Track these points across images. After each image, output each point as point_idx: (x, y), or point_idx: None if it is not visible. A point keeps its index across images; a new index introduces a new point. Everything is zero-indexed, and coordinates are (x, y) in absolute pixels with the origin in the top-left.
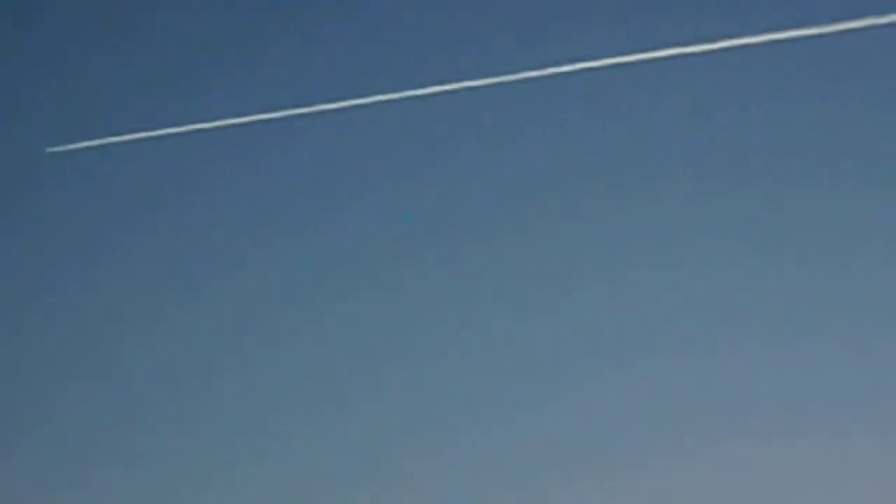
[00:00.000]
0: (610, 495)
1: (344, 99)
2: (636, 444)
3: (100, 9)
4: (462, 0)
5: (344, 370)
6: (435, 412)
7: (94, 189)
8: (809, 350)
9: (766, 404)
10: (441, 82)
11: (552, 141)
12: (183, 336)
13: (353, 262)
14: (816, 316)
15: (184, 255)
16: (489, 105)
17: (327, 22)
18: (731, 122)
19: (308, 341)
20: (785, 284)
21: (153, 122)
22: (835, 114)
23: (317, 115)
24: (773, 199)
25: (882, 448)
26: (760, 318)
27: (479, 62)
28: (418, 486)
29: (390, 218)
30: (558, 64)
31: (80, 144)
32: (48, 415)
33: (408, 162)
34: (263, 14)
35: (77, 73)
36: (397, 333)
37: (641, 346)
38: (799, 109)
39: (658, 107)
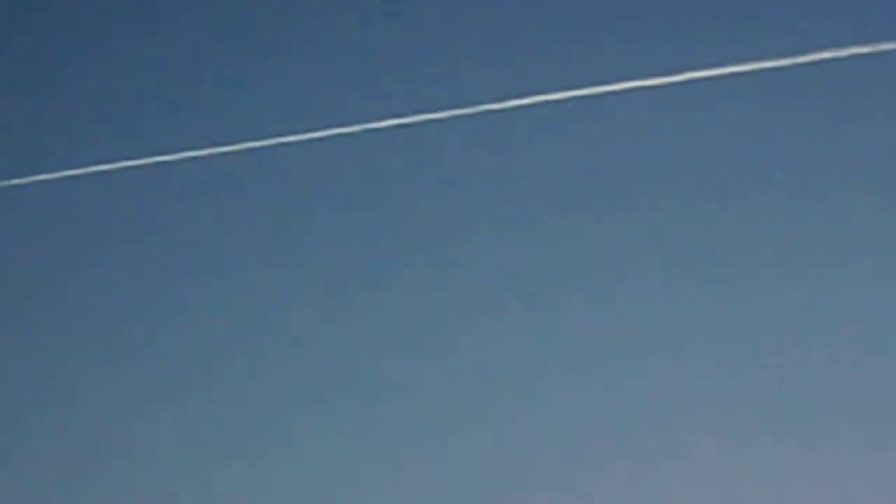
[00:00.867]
0: (610, 495)
1: (298, 132)
2: (635, 443)
3: (42, 40)
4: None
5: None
6: (433, 414)
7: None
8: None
9: (766, 404)
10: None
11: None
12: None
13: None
14: (817, 316)
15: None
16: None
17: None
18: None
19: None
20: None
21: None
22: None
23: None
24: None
25: (882, 449)
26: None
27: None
28: (417, 486)
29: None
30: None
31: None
32: (45, 424)
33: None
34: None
35: (25, 107)
36: (396, 333)
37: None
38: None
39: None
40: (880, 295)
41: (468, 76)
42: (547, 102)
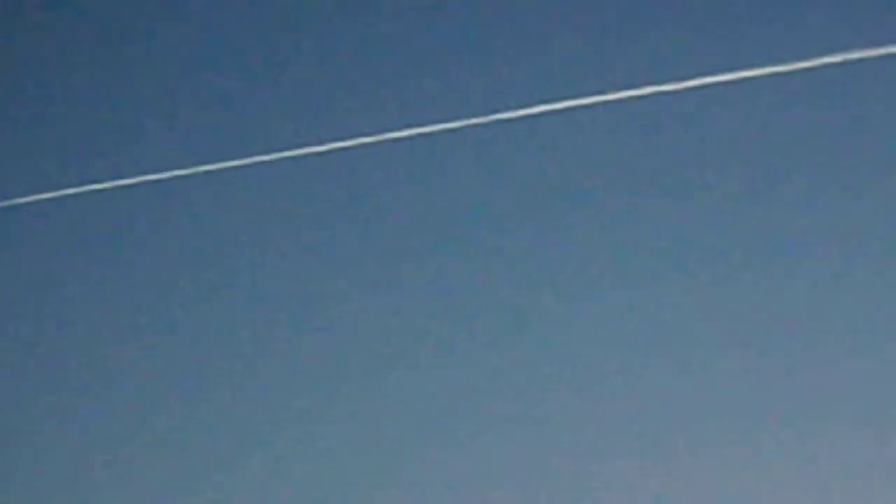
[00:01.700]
0: (610, 495)
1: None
2: (635, 442)
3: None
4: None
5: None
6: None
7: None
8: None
9: (765, 405)
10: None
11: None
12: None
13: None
14: (817, 316)
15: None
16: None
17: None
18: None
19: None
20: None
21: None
22: None
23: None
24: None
25: (882, 450)
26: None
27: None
28: (418, 487)
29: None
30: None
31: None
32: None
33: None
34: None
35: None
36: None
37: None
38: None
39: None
40: (881, 295)
41: (468, 86)
42: (551, 112)
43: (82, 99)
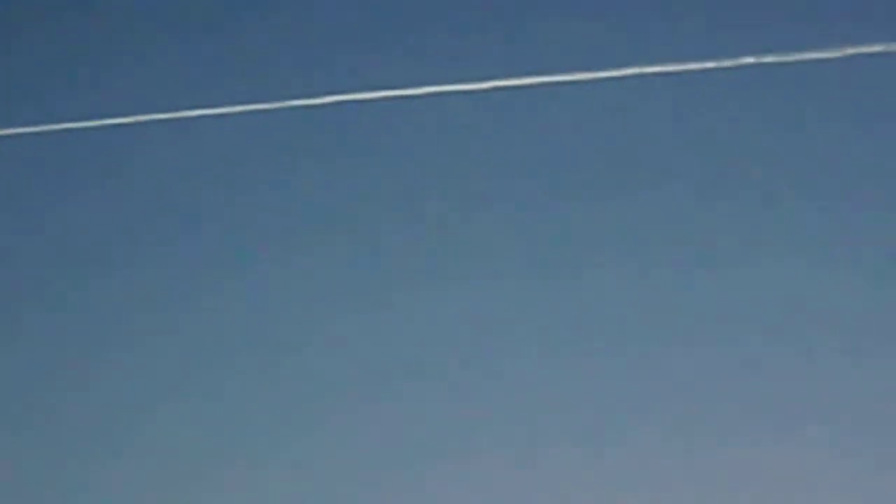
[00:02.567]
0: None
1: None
2: (636, 441)
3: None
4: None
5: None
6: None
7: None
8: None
9: (764, 406)
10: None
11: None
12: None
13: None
14: (816, 316)
15: None
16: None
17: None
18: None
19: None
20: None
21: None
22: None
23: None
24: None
25: (882, 450)
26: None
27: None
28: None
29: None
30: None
31: None
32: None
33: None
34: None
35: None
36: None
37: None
38: None
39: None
40: (881, 294)
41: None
42: (545, 84)
43: (55, 40)
